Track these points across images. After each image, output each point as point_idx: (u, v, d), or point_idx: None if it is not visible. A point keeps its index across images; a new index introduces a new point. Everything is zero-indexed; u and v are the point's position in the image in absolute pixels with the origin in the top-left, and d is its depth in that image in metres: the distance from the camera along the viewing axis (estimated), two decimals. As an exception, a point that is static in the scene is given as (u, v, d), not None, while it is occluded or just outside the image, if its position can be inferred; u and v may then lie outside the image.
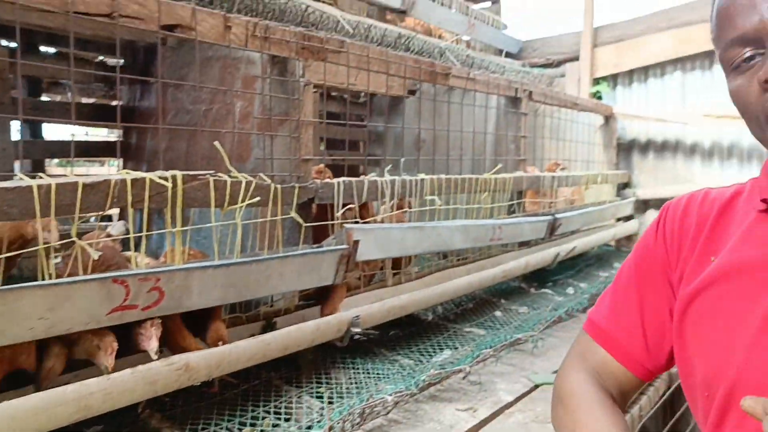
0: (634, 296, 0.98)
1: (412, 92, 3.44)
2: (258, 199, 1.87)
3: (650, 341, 0.95)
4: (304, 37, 2.19)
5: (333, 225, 2.21)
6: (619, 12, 5.39)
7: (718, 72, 4.68)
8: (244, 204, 1.84)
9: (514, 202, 3.36)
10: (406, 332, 2.64)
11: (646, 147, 5.07)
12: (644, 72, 5.06)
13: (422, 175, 2.60)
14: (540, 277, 3.64)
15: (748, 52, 0.78)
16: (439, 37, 4.58)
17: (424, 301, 2.47)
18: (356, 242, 2.09)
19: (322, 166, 2.39)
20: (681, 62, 4.84)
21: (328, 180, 2.22)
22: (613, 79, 5.21)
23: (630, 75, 5.14)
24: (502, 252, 3.30)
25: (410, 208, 2.63)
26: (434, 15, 4.35)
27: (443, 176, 2.71)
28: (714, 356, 0.82)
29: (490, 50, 5.32)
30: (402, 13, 4.12)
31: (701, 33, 4.64)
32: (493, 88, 3.23)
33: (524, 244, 3.45)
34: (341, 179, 2.22)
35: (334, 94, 3.91)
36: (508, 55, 5.47)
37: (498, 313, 2.97)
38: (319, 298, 2.13)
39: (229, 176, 1.82)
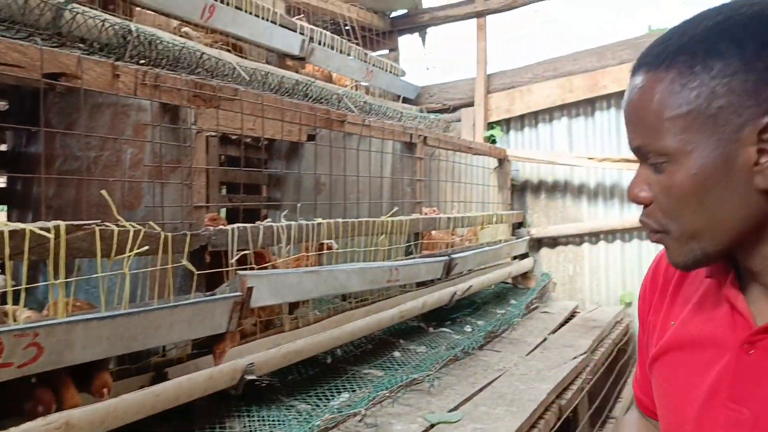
0: (639, 354, 1.08)
1: (311, 137, 3.50)
2: (147, 248, 1.85)
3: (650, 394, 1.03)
4: (196, 85, 2.21)
5: (227, 272, 2.20)
6: (509, 60, 5.69)
7: (599, 118, 5.03)
8: (133, 253, 1.81)
9: (411, 243, 3.46)
10: (305, 376, 2.64)
11: (538, 188, 5.33)
12: (534, 117, 5.35)
13: (319, 220, 2.64)
14: (439, 316, 3.73)
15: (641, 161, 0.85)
16: (343, 84, 4.70)
17: (321, 344, 2.49)
18: (250, 289, 2.09)
19: (215, 213, 2.38)
20: (566, 108, 5.15)
21: (221, 227, 2.22)
22: (506, 123, 5.47)
23: (521, 120, 5.42)
24: (402, 293, 3.37)
25: (308, 252, 2.67)
26: (332, 62, 4.45)
27: (340, 220, 2.76)
28: (670, 419, 0.90)
29: (389, 96, 5.48)
30: (301, 59, 4.20)
31: (582, 82, 4.98)
32: (389, 134, 3.34)
33: (423, 285, 3.53)
34: (235, 225, 2.23)
35: (234, 137, 3.91)
36: (407, 100, 5.65)
37: (397, 354, 3.01)
38: (212, 344, 2.11)
39: (117, 225, 1.80)
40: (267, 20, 3.89)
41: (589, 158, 4.78)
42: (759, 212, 0.74)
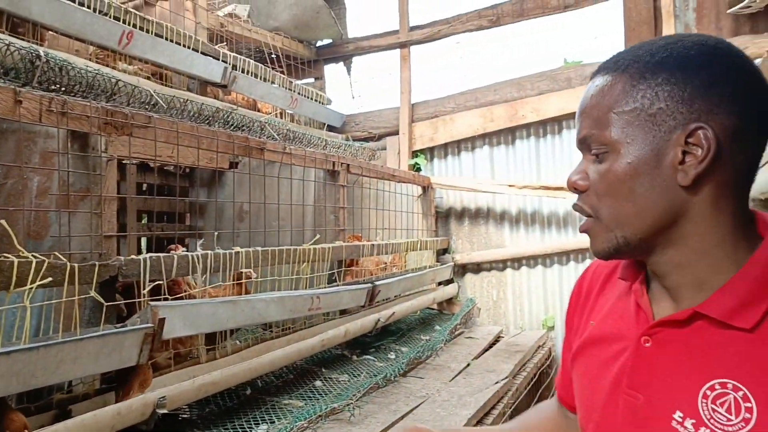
0: (563, 354, 1.15)
1: (234, 165, 3.46)
2: (50, 279, 1.78)
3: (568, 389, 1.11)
4: (108, 112, 2.16)
5: (140, 303, 2.14)
6: (433, 89, 5.81)
7: (519, 147, 5.18)
8: (34, 286, 1.74)
9: (335, 270, 3.45)
10: (223, 408, 2.58)
11: (461, 215, 5.42)
12: (457, 145, 5.45)
13: (237, 248, 2.61)
14: (363, 343, 3.72)
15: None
16: (266, 112, 4.68)
17: (238, 376, 2.43)
18: (162, 320, 2.04)
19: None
20: (488, 137, 5.28)
21: (133, 256, 2.16)
22: (430, 151, 5.56)
23: (445, 148, 5.51)
24: (326, 321, 3.34)
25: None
26: (256, 90, 4.43)
27: (260, 248, 2.73)
28: (583, 409, 1.00)
29: (315, 124, 5.48)
30: (223, 87, 4.17)
31: (503, 112, 5.13)
32: (310, 162, 3.34)
33: (346, 312, 3.52)
34: (147, 255, 2.18)
35: (153, 165, 3.82)
36: (333, 128, 5.67)
37: (318, 383, 2.98)
38: (122, 381, 2.03)
39: (18, 256, 1.73)
40: (188, 47, 3.85)
41: (510, 185, 4.91)
42: (675, 207, 0.84)
